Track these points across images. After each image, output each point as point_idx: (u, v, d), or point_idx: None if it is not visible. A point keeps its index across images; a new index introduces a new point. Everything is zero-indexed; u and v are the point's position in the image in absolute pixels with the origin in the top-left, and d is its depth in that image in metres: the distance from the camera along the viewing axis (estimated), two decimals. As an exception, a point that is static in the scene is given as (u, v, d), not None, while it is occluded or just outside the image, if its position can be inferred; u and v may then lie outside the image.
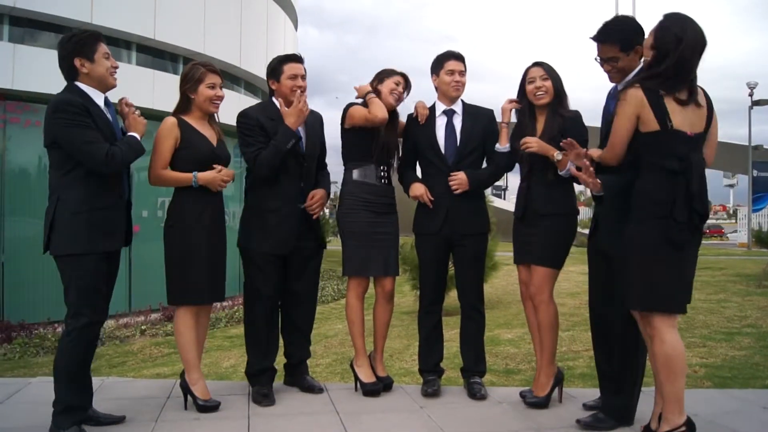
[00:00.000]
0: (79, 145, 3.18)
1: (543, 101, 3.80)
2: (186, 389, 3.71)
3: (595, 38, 3.39)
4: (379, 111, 3.92)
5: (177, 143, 3.65)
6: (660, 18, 3.07)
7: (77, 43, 3.30)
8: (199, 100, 3.74)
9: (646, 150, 3.06)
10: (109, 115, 3.39)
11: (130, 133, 3.42)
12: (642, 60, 3.28)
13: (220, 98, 3.80)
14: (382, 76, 4.13)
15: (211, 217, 3.72)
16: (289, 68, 3.96)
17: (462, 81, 4.08)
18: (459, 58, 4.09)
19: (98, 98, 3.35)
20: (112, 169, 3.26)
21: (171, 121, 3.68)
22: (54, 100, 3.24)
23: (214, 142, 3.79)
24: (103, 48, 3.35)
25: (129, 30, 13.79)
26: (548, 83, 3.79)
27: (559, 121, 3.76)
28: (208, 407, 3.67)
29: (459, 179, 3.97)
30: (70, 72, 3.32)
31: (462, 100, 4.15)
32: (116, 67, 3.42)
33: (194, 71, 3.74)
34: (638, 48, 3.30)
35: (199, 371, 3.73)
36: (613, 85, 3.53)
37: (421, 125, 4.12)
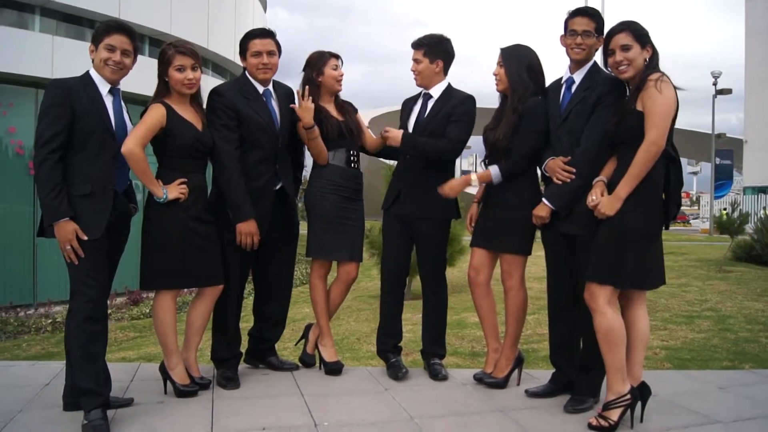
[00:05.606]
0: (38, 125, 3.17)
1: (497, 88, 3.81)
2: (165, 374, 3.67)
3: (579, 9, 3.53)
4: (317, 156, 4.01)
5: (161, 131, 3.49)
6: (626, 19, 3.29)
7: (95, 31, 3.36)
8: (172, 84, 3.56)
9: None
10: (109, 104, 3.29)
11: (64, 216, 3.11)
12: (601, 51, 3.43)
13: (192, 80, 3.56)
14: (319, 64, 4.05)
15: (196, 200, 3.57)
16: (253, 45, 3.83)
17: (417, 69, 4.01)
18: (414, 45, 4.03)
19: (103, 87, 3.30)
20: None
21: (161, 111, 3.49)
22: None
23: (200, 127, 3.61)
24: (113, 39, 3.27)
25: (92, 8, 13.40)
26: (501, 71, 3.73)
27: (513, 119, 3.64)
28: (186, 392, 3.63)
29: (392, 135, 3.98)
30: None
31: (449, 84, 4.09)
32: (116, 62, 3.28)
33: (163, 53, 3.58)
34: (601, 38, 3.43)
35: (178, 356, 3.67)
36: (562, 76, 3.63)
37: (404, 109, 4.21)
